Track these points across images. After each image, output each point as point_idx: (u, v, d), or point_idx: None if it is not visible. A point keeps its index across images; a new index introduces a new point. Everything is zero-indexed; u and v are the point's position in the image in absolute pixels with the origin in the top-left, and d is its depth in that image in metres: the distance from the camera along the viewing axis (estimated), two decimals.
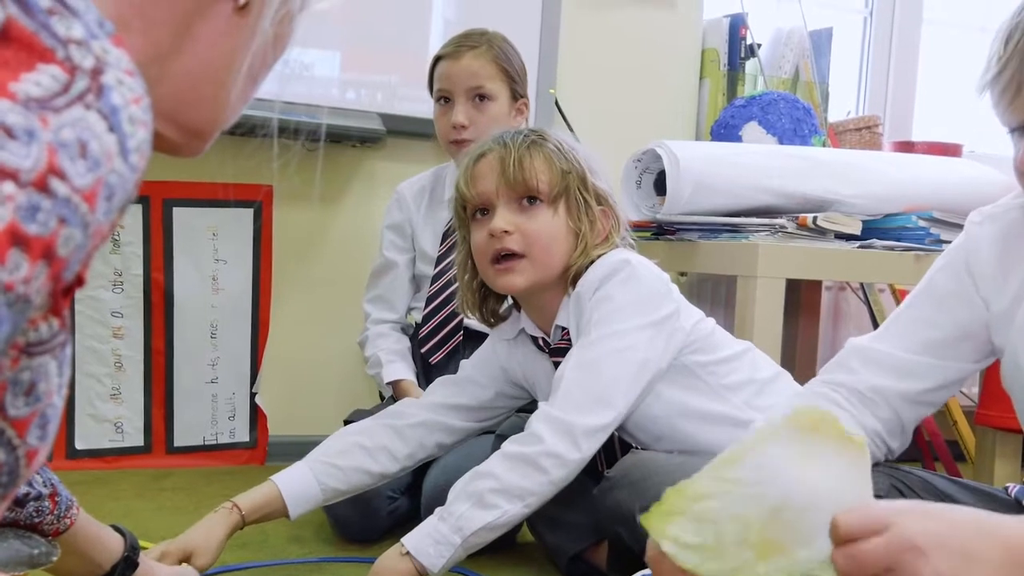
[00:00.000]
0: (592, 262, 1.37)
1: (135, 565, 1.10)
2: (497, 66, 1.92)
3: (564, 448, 1.23)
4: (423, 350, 1.97)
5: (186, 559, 1.31)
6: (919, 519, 0.69)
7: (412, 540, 1.21)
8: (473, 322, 1.95)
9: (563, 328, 1.41)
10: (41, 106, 0.49)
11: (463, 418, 1.50)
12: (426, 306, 2.01)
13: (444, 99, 1.94)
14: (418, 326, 2.02)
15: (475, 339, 1.94)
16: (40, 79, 0.49)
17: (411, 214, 2.09)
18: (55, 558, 1.01)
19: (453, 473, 1.43)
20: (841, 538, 0.68)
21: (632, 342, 1.30)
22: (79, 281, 0.58)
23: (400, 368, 1.95)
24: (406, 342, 2.03)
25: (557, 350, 1.42)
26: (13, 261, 0.47)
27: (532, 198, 1.35)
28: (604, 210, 1.40)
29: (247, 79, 0.72)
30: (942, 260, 1.16)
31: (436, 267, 2.03)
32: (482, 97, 1.91)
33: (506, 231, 1.34)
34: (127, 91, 0.53)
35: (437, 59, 1.96)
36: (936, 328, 1.13)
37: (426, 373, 1.98)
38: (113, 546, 1.08)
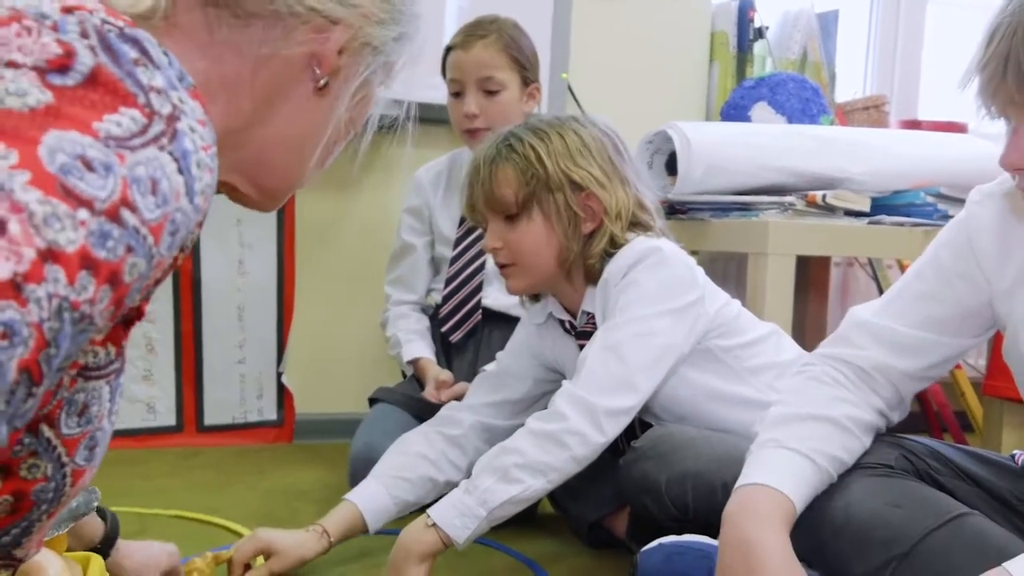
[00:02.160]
0: (619, 246, 1.36)
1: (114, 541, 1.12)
2: (507, 55, 1.89)
3: (587, 427, 1.23)
4: (443, 329, 1.98)
5: (266, 554, 1.33)
6: None
7: (438, 512, 1.21)
8: (492, 302, 1.96)
9: (589, 313, 1.41)
10: (119, 144, 0.52)
11: (508, 414, 1.49)
12: (445, 287, 2.01)
13: (456, 89, 1.92)
14: (438, 307, 2.02)
15: (494, 319, 1.95)
16: (121, 120, 0.53)
17: (428, 198, 2.08)
18: (96, 504, 1.03)
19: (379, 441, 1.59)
20: None
21: (655, 327, 1.29)
22: (139, 314, 0.60)
23: (419, 347, 1.95)
24: (425, 321, 2.04)
25: (583, 333, 1.42)
26: (81, 282, 0.49)
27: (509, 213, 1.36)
28: (587, 195, 1.36)
29: (323, 150, 0.78)
30: (945, 236, 1.14)
31: (454, 249, 2.02)
32: (492, 87, 1.89)
33: (495, 247, 1.38)
34: (198, 138, 0.57)
35: (448, 49, 1.94)
36: (940, 304, 1.11)
37: (446, 352, 1.98)
38: (95, 527, 1.10)
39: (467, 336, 1.95)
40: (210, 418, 2.30)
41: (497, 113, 1.87)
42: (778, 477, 1.02)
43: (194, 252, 2.27)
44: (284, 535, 1.34)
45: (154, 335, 2.26)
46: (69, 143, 0.50)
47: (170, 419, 2.27)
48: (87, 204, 0.49)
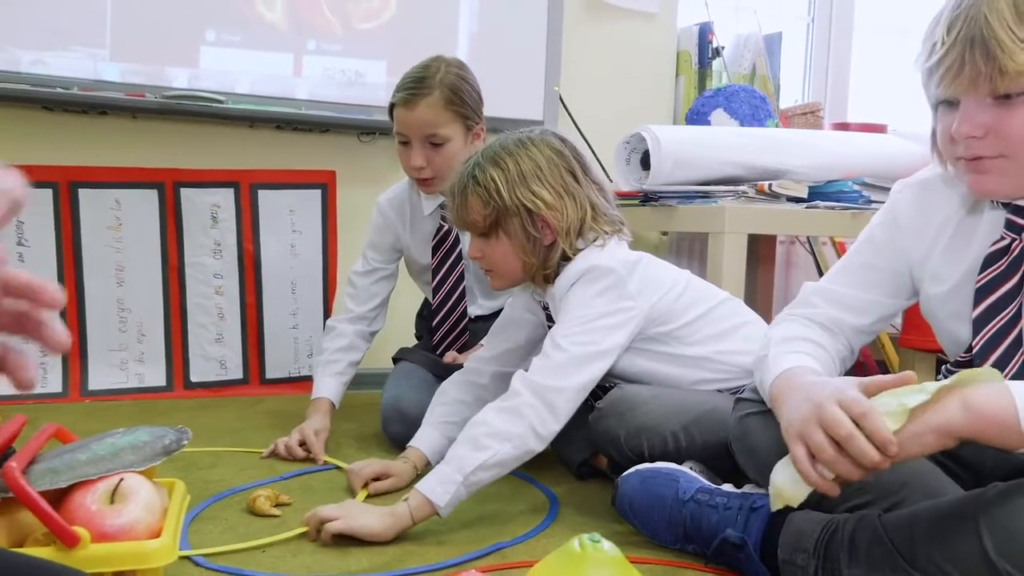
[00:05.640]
0: (570, 258, 1.32)
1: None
2: (449, 112, 1.64)
3: (537, 401, 1.20)
4: (437, 352, 1.83)
5: (383, 476, 1.39)
6: None
7: (423, 483, 1.18)
8: (477, 310, 1.85)
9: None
10: None
11: (518, 359, 1.48)
12: (433, 315, 1.83)
13: (403, 140, 1.67)
14: (431, 311, 1.85)
15: (482, 319, 1.84)
16: None
17: (396, 229, 1.81)
18: (186, 442, 1.00)
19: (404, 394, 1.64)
20: None
21: (593, 337, 1.26)
22: None
23: (326, 385, 1.73)
24: (354, 354, 1.78)
25: (547, 309, 1.43)
26: None
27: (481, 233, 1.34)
28: (540, 217, 1.30)
29: None
30: (876, 218, 1.15)
31: (433, 279, 1.82)
32: (437, 141, 1.64)
33: (476, 257, 1.36)
34: None
35: (393, 104, 1.67)
36: (877, 272, 1.13)
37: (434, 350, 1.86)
38: None
39: (459, 351, 1.83)
40: (270, 372, 2.30)
41: (443, 163, 1.65)
42: (797, 361, 1.02)
43: (254, 237, 2.26)
44: (393, 463, 1.42)
45: (224, 305, 2.25)
46: None
47: (238, 373, 2.27)
48: None
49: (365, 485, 1.38)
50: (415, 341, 2.00)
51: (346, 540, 1.15)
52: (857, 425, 0.84)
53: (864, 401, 0.85)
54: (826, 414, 0.86)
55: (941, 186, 1.08)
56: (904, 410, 0.83)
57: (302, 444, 1.59)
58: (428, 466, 1.42)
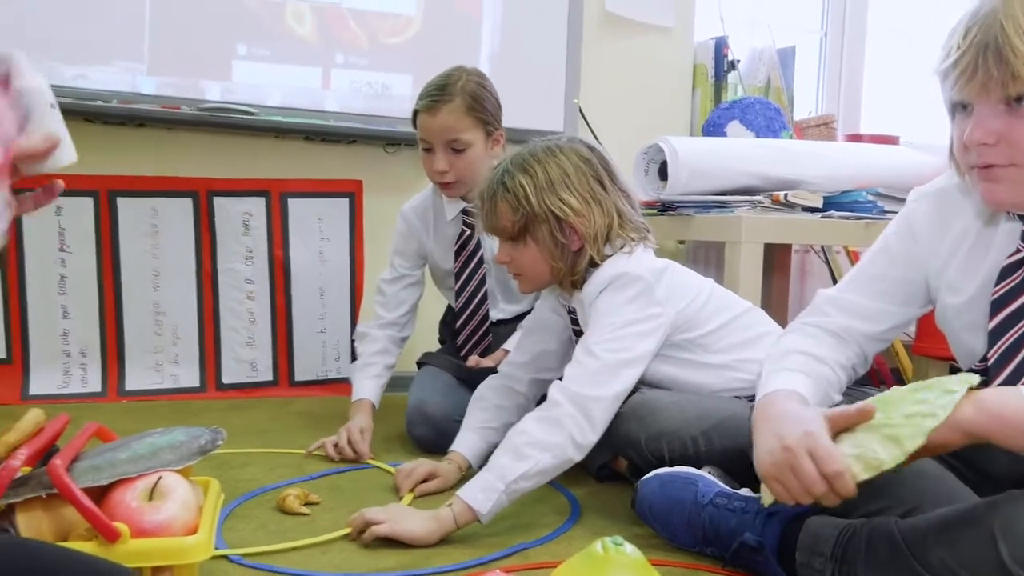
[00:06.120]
0: (598, 264, 1.31)
1: None
2: (471, 118, 1.65)
3: (576, 411, 1.20)
4: (461, 354, 1.83)
5: (430, 476, 1.40)
6: None
7: (465, 490, 1.18)
8: (499, 314, 1.84)
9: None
10: None
11: (554, 363, 1.46)
12: (456, 318, 1.83)
13: (426, 147, 1.69)
14: (454, 317, 1.85)
15: (504, 323, 1.84)
16: None
17: (420, 236, 1.82)
18: (221, 442, 1.00)
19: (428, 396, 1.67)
20: None
21: (625, 343, 1.25)
22: None
23: (365, 387, 1.73)
24: (389, 358, 1.79)
25: (573, 319, 1.43)
26: None
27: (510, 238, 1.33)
28: (568, 224, 1.29)
29: None
30: (892, 227, 1.14)
31: (456, 282, 1.81)
32: (459, 147, 1.65)
33: (504, 262, 1.36)
34: None
35: (417, 111, 1.69)
36: (890, 282, 1.12)
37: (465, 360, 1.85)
38: None
39: (482, 354, 1.82)
40: (299, 375, 2.31)
41: (465, 168, 1.67)
42: (784, 384, 1.02)
43: (284, 244, 2.27)
44: (440, 464, 1.42)
45: (255, 310, 2.27)
46: None
47: (268, 375, 2.29)
48: None
49: (412, 488, 1.38)
50: (439, 346, 2.00)
51: (385, 541, 1.14)
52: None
53: (835, 458, 0.87)
54: (800, 469, 0.88)
55: (958, 196, 1.06)
56: (879, 464, 0.85)
57: (348, 443, 1.59)
58: (470, 469, 1.42)
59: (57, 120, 0.76)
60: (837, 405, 1.10)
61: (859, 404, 0.91)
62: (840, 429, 0.91)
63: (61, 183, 0.80)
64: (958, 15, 0.94)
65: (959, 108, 0.95)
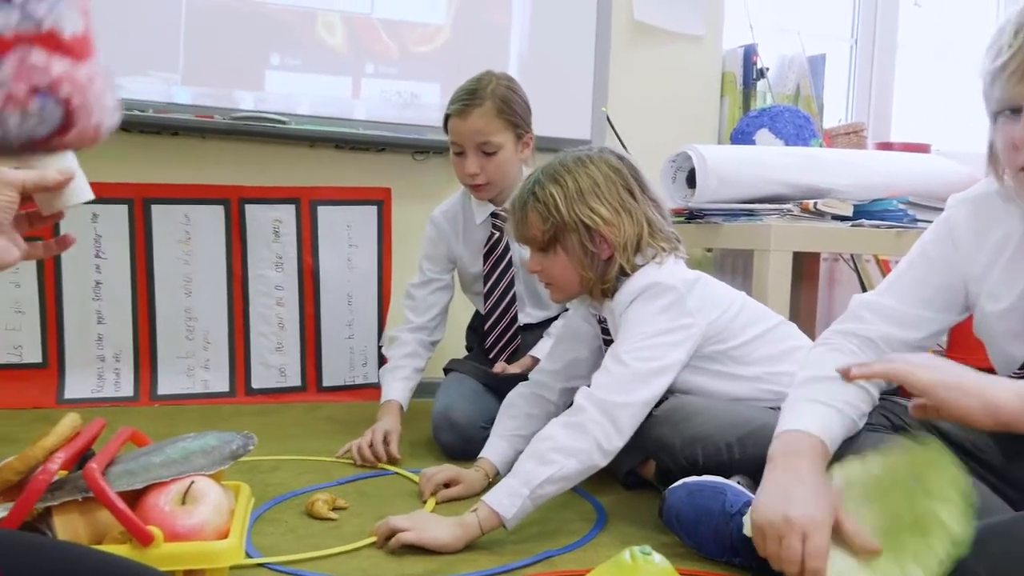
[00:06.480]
0: (628, 273, 1.31)
1: None
2: (501, 120, 1.67)
3: (602, 417, 1.20)
4: (490, 356, 1.84)
5: (453, 483, 1.40)
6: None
7: (490, 495, 1.18)
8: (527, 318, 1.84)
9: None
10: None
11: (585, 371, 1.45)
12: (484, 321, 1.84)
13: (458, 150, 1.71)
14: (482, 322, 1.87)
15: (531, 327, 1.84)
16: None
17: (449, 240, 1.84)
18: (252, 447, 1.01)
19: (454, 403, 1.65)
20: None
21: (655, 352, 1.25)
22: None
23: (394, 389, 1.74)
24: (418, 361, 1.80)
25: (602, 322, 1.42)
26: None
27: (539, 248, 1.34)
28: (598, 233, 1.29)
29: None
30: (930, 234, 1.12)
31: (485, 284, 1.82)
32: (489, 149, 1.68)
33: (535, 271, 1.36)
34: None
35: (448, 116, 1.71)
36: (929, 287, 1.10)
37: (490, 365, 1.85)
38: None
39: (509, 358, 1.84)
40: (327, 380, 2.33)
41: (495, 170, 1.70)
42: (809, 422, 1.01)
43: (313, 251, 2.29)
44: (465, 470, 1.42)
45: (284, 316, 2.29)
46: None
47: (296, 381, 2.30)
48: None
49: (434, 492, 1.39)
50: (466, 353, 2.01)
51: (411, 547, 1.14)
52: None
53: (822, 559, 0.89)
54: (788, 546, 0.90)
55: (998, 202, 1.05)
56: None
57: (371, 446, 1.59)
58: (498, 476, 1.42)
59: (71, 158, 0.80)
60: (868, 419, 1.09)
61: (867, 539, 0.90)
62: (842, 533, 0.92)
63: (73, 237, 0.90)
64: (990, 20, 0.93)
65: (1006, 112, 0.93)
